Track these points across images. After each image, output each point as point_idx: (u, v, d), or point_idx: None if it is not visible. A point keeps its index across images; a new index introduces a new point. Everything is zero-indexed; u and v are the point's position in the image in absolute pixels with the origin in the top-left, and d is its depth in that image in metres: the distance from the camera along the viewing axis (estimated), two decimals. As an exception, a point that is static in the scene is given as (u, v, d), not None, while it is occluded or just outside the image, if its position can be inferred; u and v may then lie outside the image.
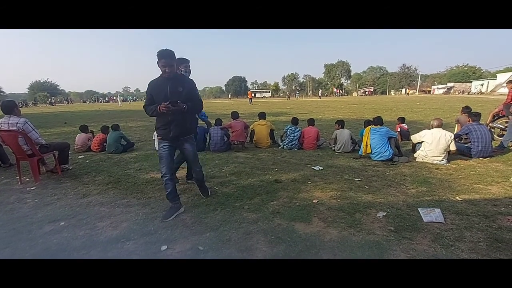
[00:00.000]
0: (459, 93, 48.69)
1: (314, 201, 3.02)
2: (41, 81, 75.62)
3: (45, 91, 70.10)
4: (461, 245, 2.12)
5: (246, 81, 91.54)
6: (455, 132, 5.48)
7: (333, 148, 5.51)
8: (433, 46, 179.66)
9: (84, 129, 6.33)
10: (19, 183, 3.90)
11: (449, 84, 57.71)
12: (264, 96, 66.75)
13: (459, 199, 2.97)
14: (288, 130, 5.81)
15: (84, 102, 71.38)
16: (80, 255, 2.12)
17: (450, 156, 4.55)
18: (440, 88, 57.32)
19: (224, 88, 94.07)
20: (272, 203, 3.00)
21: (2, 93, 64.83)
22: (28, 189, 3.68)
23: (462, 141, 5.19)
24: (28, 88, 75.77)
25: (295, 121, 5.98)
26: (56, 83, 78.96)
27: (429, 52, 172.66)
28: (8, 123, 3.73)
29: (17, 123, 3.74)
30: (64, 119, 15.33)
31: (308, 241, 2.22)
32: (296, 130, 5.77)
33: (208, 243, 2.24)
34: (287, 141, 5.78)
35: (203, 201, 3.10)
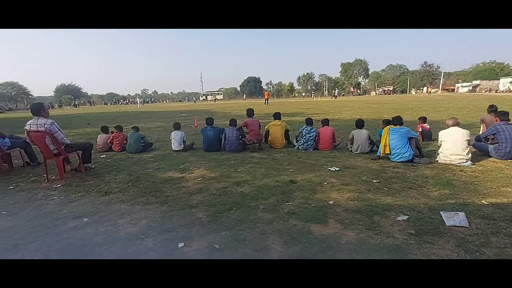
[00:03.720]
0: (485, 91, 46.28)
1: (330, 202, 2.97)
2: (66, 84, 79.69)
3: (69, 94, 73.67)
4: (486, 250, 2.01)
5: (261, 81, 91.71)
6: (480, 132, 5.22)
7: (350, 149, 5.40)
8: (456, 42, 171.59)
9: (105, 130, 6.59)
10: (46, 180, 4.11)
11: (475, 82, 55.09)
12: (216, 98, 65.92)
13: (485, 202, 2.83)
14: (304, 131, 5.75)
15: (106, 104, 74.22)
16: (101, 250, 2.21)
17: (476, 157, 4.34)
18: (464, 86, 54.78)
19: (239, 89, 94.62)
20: (287, 203, 2.98)
21: (30, 96, 68.69)
22: (54, 186, 3.88)
23: (489, 142, 4.94)
24: (54, 91, 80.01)
25: (309, 122, 5.91)
26: (79, 86, 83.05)
27: (453, 49, 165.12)
28: (36, 124, 3.95)
29: (44, 124, 3.95)
30: (87, 120, 16.01)
31: (324, 243, 2.19)
32: (312, 130, 5.71)
33: (224, 241, 2.26)
34: (302, 142, 5.72)
35: (219, 200, 3.13)
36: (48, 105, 51.04)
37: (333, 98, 39.98)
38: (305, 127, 5.80)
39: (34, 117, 4.01)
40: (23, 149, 5.07)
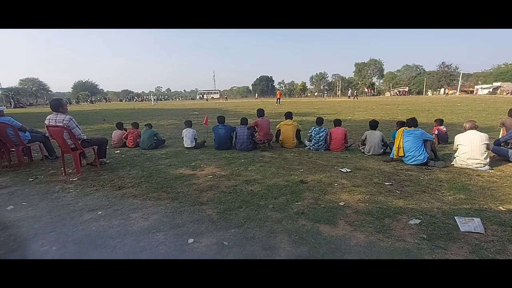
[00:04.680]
0: (507, 93, 44.35)
1: (340, 203, 2.95)
2: (83, 81, 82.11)
3: (86, 90, 75.91)
4: (502, 258, 1.95)
5: (273, 80, 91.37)
6: (500, 136, 5.03)
7: (362, 150, 5.32)
8: (476, 43, 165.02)
9: (120, 126, 6.76)
10: (63, 174, 4.27)
11: (496, 84, 52.81)
12: (212, 97, 64.22)
13: (503, 209, 2.73)
14: (313, 132, 5.72)
15: (121, 100, 75.81)
16: (115, 243, 2.28)
17: (495, 162, 4.19)
18: (484, 88, 52.71)
19: (251, 87, 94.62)
20: (297, 203, 2.98)
21: (50, 92, 71.21)
22: (70, 180, 4.02)
23: (508, 146, 4.75)
24: (72, 88, 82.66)
25: (319, 121, 5.87)
26: (96, 83, 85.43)
27: (472, 49, 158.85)
28: (55, 120, 4.10)
29: (63, 119, 4.09)
30: (103, 117, 16.46)
31: (333, 244, 2.18)
32: (321, 130, 5.65)
33: (232, 239, 2.29)
34: (313, 142, 5.69)
35: (229, 198, 3.16)
36: (66, 101, 52.74)
37: (355, 99, 37.92)
38: (314, 128, 5.76)
39: (54, 112, 4.16)
40: (42, 143, 5.27)
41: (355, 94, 42.84)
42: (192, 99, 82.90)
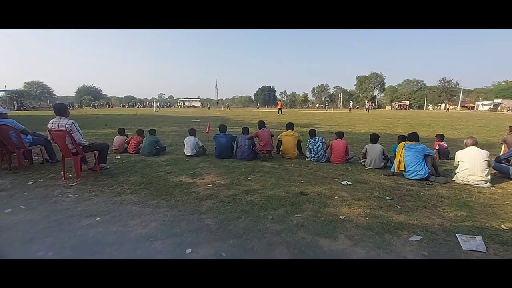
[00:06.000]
0: (507, 110, 44.61)
1: (340, 217, 2.92)
2: (87, 86, 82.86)
3: (89, 95, 76.39)
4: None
5: (275, 91, 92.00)
6: (501, 153, 5.03)
7: (363, 163, 5.31)
8: (477, 58, 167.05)
9: (121, 132, 6.79)
10: (63, 178, 4.26)
11: (496, 101, 53.23)
12: (193, 106, 64.33)
13: (505, 227, 2.70)
14: (310, 144, 5.74)
15: (123, 106, 76.22)
16: (111, 250, 2.25)
17: (496, 179, 4.17)
18: (485, 105, 53.09)
19: (253, 97, 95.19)
20: (296, 215, 2.95)
21: (53, 96, 71.76)
22: (70, 184, 4.01)
23: (510, 164, 4.75)
24: (75, 92, 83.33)
25: (312, 133, 5.92)
26: (99, 88, 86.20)
27: (473, 65, 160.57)
28: (58, 124, 4.12)
29: (66, 124, 4.11)
30: (105, 122, 16.51)
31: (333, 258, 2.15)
32: (317, 141, 5.66)
33: (231, 250, 2.26)
34: (313, 154, 5.69)
35: (228, 207, 3.14)
36: (68, 105, 53.14)
37: (367, 112, 36.40)
38: (309, 141, 5.79)
39: (57, 116, 4.18)
40: (43, 147, 5.28)
41: (366, 107, 42.18)
42: (194, 106, 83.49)
